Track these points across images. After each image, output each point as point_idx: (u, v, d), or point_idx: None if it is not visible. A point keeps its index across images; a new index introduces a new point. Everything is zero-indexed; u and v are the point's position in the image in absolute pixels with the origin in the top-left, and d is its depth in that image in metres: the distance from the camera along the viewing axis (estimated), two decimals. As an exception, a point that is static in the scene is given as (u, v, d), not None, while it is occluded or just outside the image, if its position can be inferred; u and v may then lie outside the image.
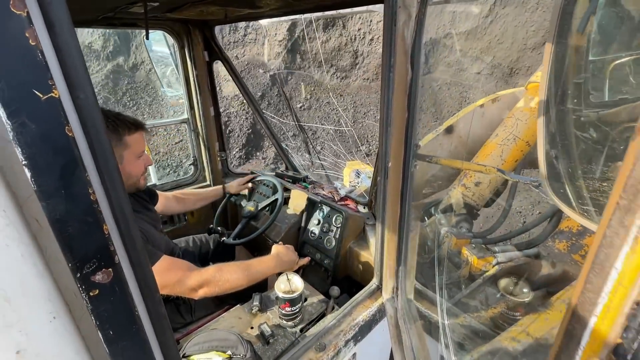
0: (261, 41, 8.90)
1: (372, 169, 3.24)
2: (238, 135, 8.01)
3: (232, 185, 1.99)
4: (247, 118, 8.14)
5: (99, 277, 0.48)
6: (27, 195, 0.42)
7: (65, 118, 0.41)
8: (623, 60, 0.64)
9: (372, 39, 8.99)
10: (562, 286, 1.06)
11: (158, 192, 1.58)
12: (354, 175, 3.37)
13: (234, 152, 7.90)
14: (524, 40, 7.70)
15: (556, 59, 0.72)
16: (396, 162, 1.00)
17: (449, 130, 1.60)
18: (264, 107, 8.34)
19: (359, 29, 8.93)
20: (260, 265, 1.27)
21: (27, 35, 0.37)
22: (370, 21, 8.83)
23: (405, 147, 0.96)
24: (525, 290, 1.07)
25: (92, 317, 0.49)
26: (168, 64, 2.21)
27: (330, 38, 9.06)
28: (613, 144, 0.72)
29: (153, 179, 2.82)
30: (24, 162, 0.40)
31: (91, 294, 0.48)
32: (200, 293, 1.14)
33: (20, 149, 0.39)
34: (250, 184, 2.03)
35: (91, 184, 0.45)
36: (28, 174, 0.40)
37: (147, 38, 1.29)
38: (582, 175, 0.67)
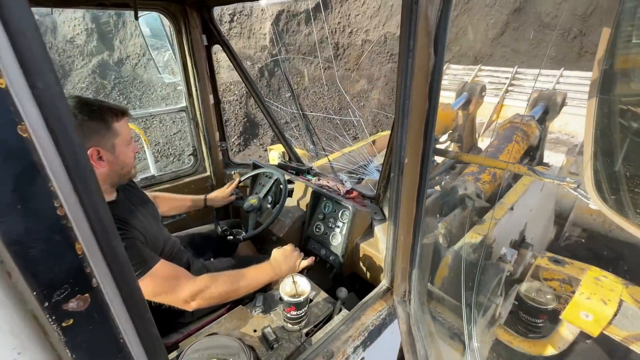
0: (246, 34, 9.07)
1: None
2: (234, 125, 7.99)
3: (216, 199, 1.79)
4: (241, 107, 8.13)
5: (72, 304, 0.41)
6: (-26, 212, 0.34)
7: (17, 114, 0.33)
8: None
9: (351, 32, 9.57)
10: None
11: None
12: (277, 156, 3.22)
13: (233, 140, 7.90)
14: (485, 31, 8.93)
15: (609, 54, 0.61)
16: (413, 157, 0.90)
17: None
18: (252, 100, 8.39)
19: (339, 22, 9.50)
20: (257, 273, 1.22)
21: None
22: (349, 15, 9.42)
23: (425, 141, 0.87)
24: (549, 296, 0.99)
25: (67, 350, 0.42)
26: (166, 48, 2.09)
27: (312, 31, 9.50)
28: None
29: (152, 171, 2.73)
30: (-36, 173, 0.31)
31: (64, 324, 0.40)
32: (193, 305, 1.09)
33: (-43, 156, 0.30)
34: (233, 197, 1.83)
35: (57, 195, 0.37)
36: (-28, 187, 0.32)
37: (136, 18, 1.18)
38: (636, 181, 0.57)
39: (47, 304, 0.38)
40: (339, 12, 9.37)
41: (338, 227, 1.64)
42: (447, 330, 1.02)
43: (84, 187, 0.40)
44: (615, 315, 1.08)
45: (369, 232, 1.65)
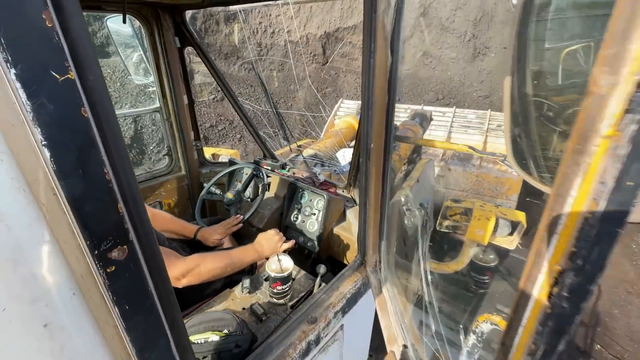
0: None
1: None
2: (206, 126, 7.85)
3: (208, 239, 1.65)
4: (212, 107, 8.00)
5: (115, 254, 0.50)
6: (44, 175, 0.43)
7: (80, 99, 0.43)
8: (574, 47, 0.74)
9: (273, 32, 9.19)
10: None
11: None
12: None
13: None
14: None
15: (519, 46, 0.81)
16: (378, 143, 1.07)
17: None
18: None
19: (260, 22, 9.07)
20: (242, 254, 1.33)
21: (43, 17, 0.38)
22: (270, 15, 9.09)
23: (387, 129, 1.03)
24: (492, 256, 1.20)
25: (109, 293, 0.51)
26: (135, 49, 2.11)
27: (232, 31, 9.15)
28: (564, 122, 0.83)
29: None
30: (43, 143, 0.41)
31: (108, 270, 0.50)
32: (184, 282, 1.17)
33: (39, 129, 0.40)
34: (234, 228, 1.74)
35: (105, 163, 0.47)
36: (47, 154, 0.41)
37: (125, 22, 1.22)
38: (540, 149, 0.77)
39: (96, 252, 0.48)
40: (259, 11, 9.18)
41: (314, 214, 1.78)
42: (408, 289, 1.20)
43: (120, 161, 0.51)
44: (495, 227, 1.63)
45: (342, 218, 1.80)
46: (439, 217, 1.91)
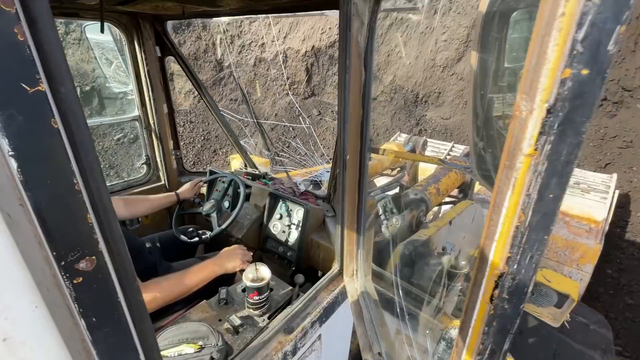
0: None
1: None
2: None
3: (185, 190, 1.94)
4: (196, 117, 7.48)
5: (82, 265, 0.50)
6: (11, 186, 0.43)
7: (50, 111, 0.43)
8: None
9: (243, 46, 6.29)
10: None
11: None
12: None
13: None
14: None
15: (480, 65, 0.87)
16: (353, 155, 1.10)
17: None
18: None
19: (226, 31, 6.32)
20: (199, 272, 1.33)
21: (15, 31, 0.39)
22: (242, 22, 6.40)
23: (361, 141, 1.07)
24: (463, 262, 1.24)
25: (75, 305, 0.50)
26: (114, 57, 2.09)
27: (184, 41, 6.37)
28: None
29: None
30: (10, 153, 0.41)
31: (75, 281, 0.50)
32: None
33: (7, 140, 0.40)
34: (202, 184, 2.01)
35: (75, 174, 0.47)
36: (14, 165, 0.41)
37: (102, 31, 1.22)
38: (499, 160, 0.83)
39: (63, 262, 0.48)
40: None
41: (294, 224, 1.79)
42: (384, 298, 1.22)
43: (91, 171, 0.51)
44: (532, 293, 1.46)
45: (322, 228, 1.82)
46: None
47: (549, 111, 0.26)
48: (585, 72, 0.25)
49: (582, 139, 0.26)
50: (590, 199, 3.74)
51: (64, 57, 0.46)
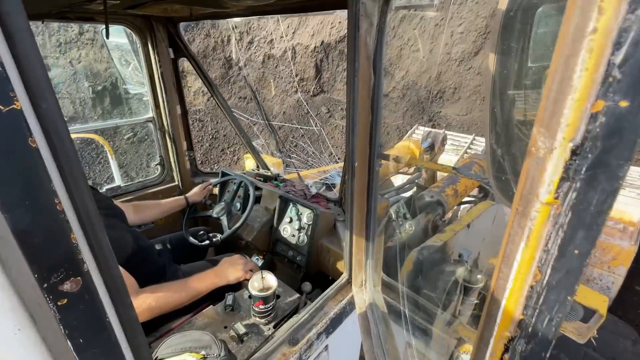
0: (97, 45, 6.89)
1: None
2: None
3: (195, 194, 1.96)
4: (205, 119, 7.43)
5: (67, 286, 0.48)
6: (-12, 207, 0.41)
7: (27, 129, 0.41)
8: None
9: (251, 43, 6.18)
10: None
11: (114, 201, 1.52)
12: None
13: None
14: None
15: (500, 65, 0.79)
16: (362, 161, 1.05)
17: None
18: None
19: (235, 27, 6.20)
20: (199, 283, 1.31)
21: (-14, 47, 0.37)
22: (250, 18, 6.23)
23: (370, 147, 1.02)
24: (479, 276, 1.17)
25: (61, 327, 0.49)
26: (131, 59, 2.12)
27: (193, 39, 6.35)
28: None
29: (117, 181, 2.70)
30: (-16, 175, 0.39)
31: (59, 303, 0.48)
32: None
33: (-20, 162, 0.38)
34: (212, 187, 2.01)
35: (57, 193, 0.45)
36: (-10, 186, 0.40)
37: (107, 37, 1.23)
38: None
39: (45, 285, 0.46)
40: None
41: (304, 228, 1.76)
42: (393, 310, 1.16)
43: (77, 188, 0.49)
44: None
45: (333, 233, 1.78)
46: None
47: (574, 152, 0.21)
48: (624, 104, 0.19)
49: (619, 184, 0.21)
50: (625, 195, 3.41)
51: (44, 71, 0.44)
